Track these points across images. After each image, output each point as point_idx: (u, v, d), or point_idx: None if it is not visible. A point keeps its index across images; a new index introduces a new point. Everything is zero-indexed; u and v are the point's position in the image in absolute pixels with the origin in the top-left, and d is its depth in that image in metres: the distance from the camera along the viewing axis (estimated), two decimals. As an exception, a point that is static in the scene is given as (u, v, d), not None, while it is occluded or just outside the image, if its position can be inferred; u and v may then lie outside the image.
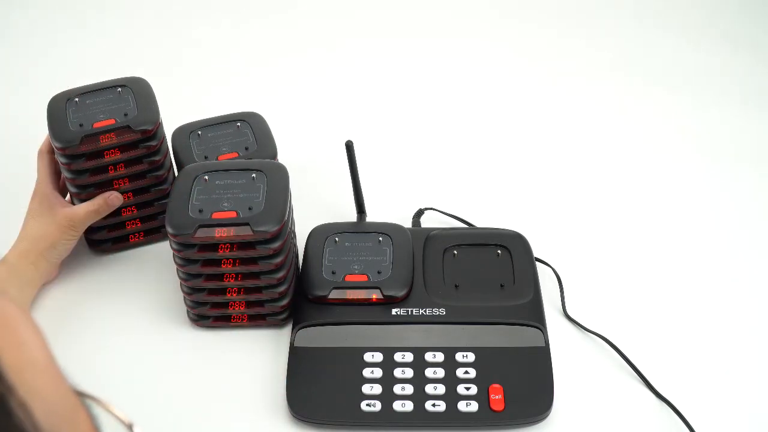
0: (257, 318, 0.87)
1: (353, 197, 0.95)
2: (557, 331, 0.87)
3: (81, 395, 0.41)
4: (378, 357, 0.82)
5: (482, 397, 0.78)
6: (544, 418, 0.78)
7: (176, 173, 0.95)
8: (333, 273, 0.87)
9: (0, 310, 0.36)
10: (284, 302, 0.85)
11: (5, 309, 0.36)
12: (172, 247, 0.82)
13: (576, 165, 1.08)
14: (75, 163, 0.88)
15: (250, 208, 0.81)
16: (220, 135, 0.97)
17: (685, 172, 1.07)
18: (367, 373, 0.80)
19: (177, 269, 0.84)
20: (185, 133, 0.97)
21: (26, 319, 0.38)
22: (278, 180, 0.84)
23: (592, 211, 1.01)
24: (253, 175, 0.84)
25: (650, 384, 0.81)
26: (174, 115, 0.99)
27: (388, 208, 0.98)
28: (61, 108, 0.89)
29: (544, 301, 0.88)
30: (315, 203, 1.00)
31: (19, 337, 0.36)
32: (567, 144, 1.12)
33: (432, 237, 0.93)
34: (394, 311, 0.85)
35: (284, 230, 0.81)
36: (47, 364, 0.37)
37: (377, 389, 0.79)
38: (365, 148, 0.99)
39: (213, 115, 1.00)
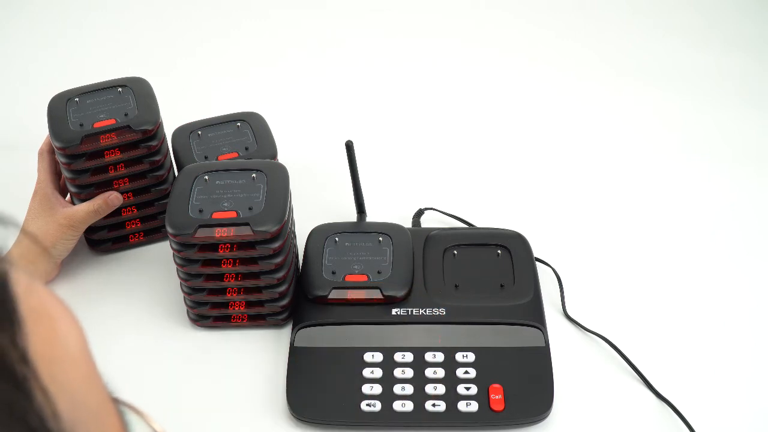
0: (257, 318, 0.87)
1: (353, 197, 0.95)
2: (557, 331, 0.87)
3: (117, 401, 0.41)
4: (378, 357, 0.82)
5: (482, 397, 0.78)
6: (544, 418, 0.78)
7: (176, 173, 0.95)
8: (333, 273, 0.87)
9: (43, 300, 0.36)
10: (284, 302, 0.85)
11: (47, 300, 0.37)
12: (172, 247, 0.82)
13: (576, 165, 1.08)
14: (75, 163, 0.88)
15: (250, 208, 0.81)
16: (220, 135, 0.97)
17: (685, 173, 1.07)
18: (367, 373, 0.80)
19: (177, 269, 0.84)
20: (185, 133, 0.97)
21: (68, 313, 0.38)
22: (278, 180, 0.84)
23: (592, 211, 1.01)
24: (253, 175, 0.84)
25: (650, 384, 0.81)
26: (174, 115, 0.99)
27: (388, 208, 0.98)
28: (61, 108, 0.89)
29: (544, 301, 0.88)
30: (315, 203, 1.00)
31: (56, 329, 0.36)
32: (567, 144, 1.12)
33: (432, 237, 0.93)
34: (394, 311, 0.85)
35: (284, 230, 0.81)
36: (81, 359, 0.37)
37: (377, 389, 0.79)
38: (365, 148, 0.99)
39: (213, 115, 1.00)
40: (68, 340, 0.36)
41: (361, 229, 0.92)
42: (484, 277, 0.89)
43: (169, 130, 0.95)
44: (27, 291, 0.35)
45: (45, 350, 0.34)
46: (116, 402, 0.41)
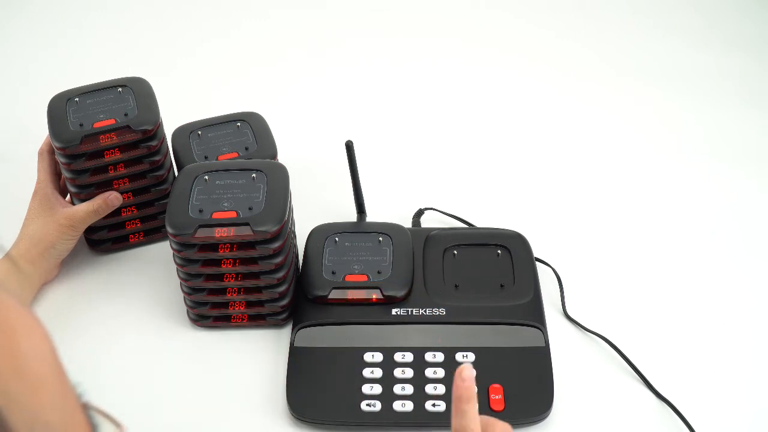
0: (257, 318, 0.87)
1: (353, 197, 0.95)
2: (557, 331, 0.87)
3: (92, 411, 0.40)
4: (378, 357, 0.82)
5: (482, 397, 0.78)
6: (544, 418, 0.78)
7: (176, 173, 0.95)
8: (333, 273, 0.87)
9: (5, 314, 0.35)
10: (284, 302, 0.85)
11: (11, 313, 0.36)
12: (172, 247, 0.82)
13: (576, 165, 1.08)
14: (75, 163, 0.88)
15: (250, 208, 0.81)
16: (220, 135, 0.97)
17: (685, 173, 1.07)
18: (367, 373, 0.81)
19: (177, 269, 0.84)
20: (185, 133, 0.98)
21: (36, 327, 0.37)
22: (278, 180, 0.84)
23: (592, 211, 1.01)
24: (253, 175, 0.84)
25: (650, 384, 0.81)
26: (174, 115, 0.99)
27: (388, 208, 0.98)
28: (61, 108, 0.89)
29: (544, 301, 0.88)
30: (315, 203, 1.00)
31: (16, 344, 0.35)
32: (567, 144, 1.12)
33: (432, 237, 0.93)
34: (394, 311, 0.85)
35: (284, 230, 0.81)
36: (45, 375, 0.36)
37: (377, 389, 0.79)
38: (365, 148, 0.99)
39: (213, 115, 1.00)
40: (29, 354, 0.36)
41: (361, 229, 0.92)
42: (484, 277, 0.89)
43: (169, 130, 0.95)
44: None
45: (0, 365, 0.33)
46: (89, 413, 0.40)
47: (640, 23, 1.35)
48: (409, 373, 0.80)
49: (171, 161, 0.96)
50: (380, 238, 0.89)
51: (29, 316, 0.37)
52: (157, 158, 0.91)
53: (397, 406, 0.78)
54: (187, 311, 0.88)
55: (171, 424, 0.80)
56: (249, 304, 0.86)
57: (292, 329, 0.85)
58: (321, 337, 0.84)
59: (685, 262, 0.95)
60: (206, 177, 0.84)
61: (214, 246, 0.81)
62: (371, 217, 0.97)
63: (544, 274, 0.92)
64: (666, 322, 0.88)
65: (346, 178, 0.93)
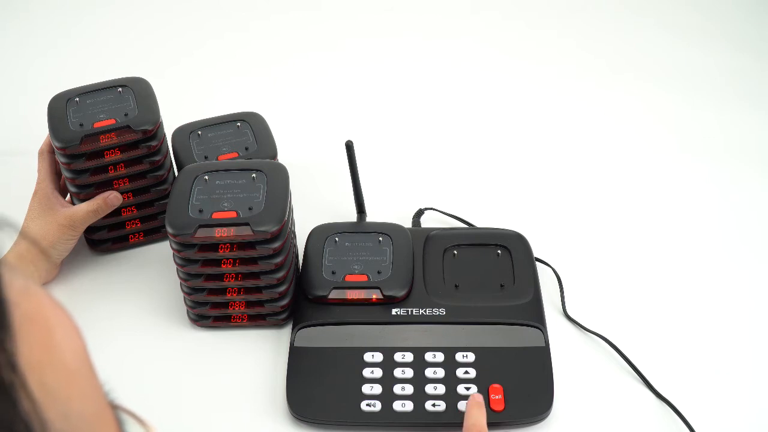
0: (257, 318, 0.87)
1: (353, 197, 0.95)
2: (557, 331, 0.87)
3: (118, 410, 0.41)
4: (378, 357, 0.82)
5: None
6: (544, 418, 0.78)
7: (176, 173, 0.95)
8: (333, 273, 0.87)
9: (39, 305, 0.35)
10: (284, 302, 0.85)
11: (44, 305, 0.36)
12: (172, 247, 0.82)
13: (576, 165, 1.08)
14: (75, 162, 0.88)
15: (250, 208, 0.81)
16: (220, 135, 0.97)
17: (685, 172, 1.07)
18: (367, 373, 0.81)
19: (177, 269, 0.84)
20: (185, 133, 0.98)
21: (67, 320, 0.37)
22: (278, 180, 0.84)
23: (592, 211, 1.01)
24: (253, 175, 0.84)
25: (650, 384, 0.81)
26: (174, 115, 0.99)
27: (388, 208, 0.98)
28: (61, 108, 0.89)
29: (544, 301, 0.88)
30: (315, 203, 1.00)
31: (51, 335, 0.35)
32: (567, 144, 1.12)
33: (432, 237, 0.93)
34: (394, 311, 0.85)
35: (284, 230, 0.81)
36: (77, 367, 0.36)
37: (377, 389, 0.79)
38: (365, 148, 0.99)
39: (213, 115, 1.00)
40: (64, 347, 0.36)
41: (361, 229, 0.92)
42: (484, 277, 0.89)
43: (169, 130, 0.95)
44: (22, 295, 0.34)
45: (36, 357, 0.33)
46: (117, 411, 0.40)
47: (640, 23, 1.35)
48: (409, 373, 0.80)
49: (171, 161, 0.96)
50: (380, 238, 0.89)
51: (61, 308, 0.37)
52: (157, 158, 0.91)
53: (397, 406, 0.78)
54: (187, 311, 0.88)
55: (171, 424, 0.80)
56: (249, 304, 0.86)
57: (292, 329, 0.85)
58: (321, 337, 0.84)
59: (685, 261, 0.95)
60: (206, 177, 0.84)
61: (214, 246, 0.81)
62: (371, 217, 0.97)
63: (544, 274, 0.92)
64: (666, 322, 0.88)
65: (346, 178, 0.93)
